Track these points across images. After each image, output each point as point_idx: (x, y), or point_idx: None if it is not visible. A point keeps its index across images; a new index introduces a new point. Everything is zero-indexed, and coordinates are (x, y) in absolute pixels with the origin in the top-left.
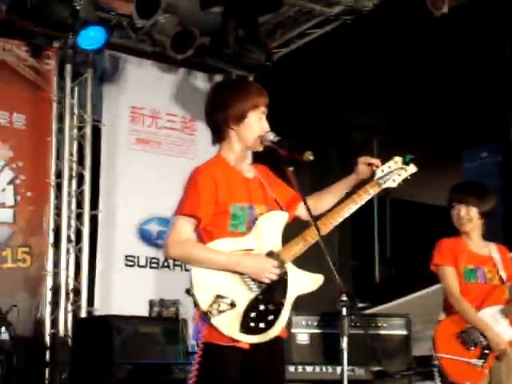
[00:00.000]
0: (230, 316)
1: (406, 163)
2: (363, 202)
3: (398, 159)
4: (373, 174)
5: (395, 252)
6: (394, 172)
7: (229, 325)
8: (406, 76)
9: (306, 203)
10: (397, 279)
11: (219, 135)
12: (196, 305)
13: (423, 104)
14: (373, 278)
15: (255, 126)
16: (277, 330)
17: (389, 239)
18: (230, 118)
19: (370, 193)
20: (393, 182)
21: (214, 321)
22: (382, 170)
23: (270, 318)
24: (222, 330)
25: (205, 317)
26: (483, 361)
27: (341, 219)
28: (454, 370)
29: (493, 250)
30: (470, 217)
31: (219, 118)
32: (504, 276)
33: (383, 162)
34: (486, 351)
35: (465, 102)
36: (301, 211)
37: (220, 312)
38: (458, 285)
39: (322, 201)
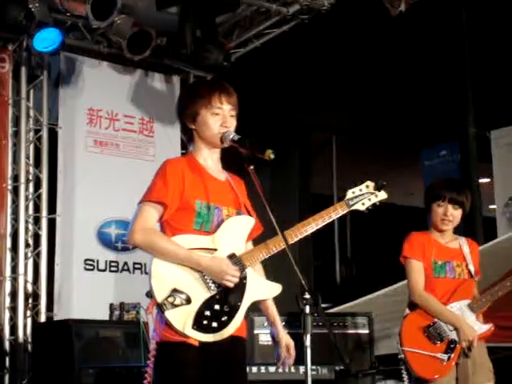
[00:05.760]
0: (184, 311)
1: (378, 189)
2: (331, 220)
3: (370, 184)
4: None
5: (355, 252)
6: (365, 195)
7: (181, 320)
8: (364, 75)
9: (273, 213)
10: (357, 279)
11: (187, 136)
12: (151, 295)
13: (382, 102)
14: (334, 278)
15: (210, 122)
16: (230, 330)
17: (349, 240)
18: (186, 118)
19: (338, 212)
20: (362, 206)
21: (168, 314)
22: (353, 192)
23: (224, 318)
24: (174, 324)
25: (158, 309)
26: (449, 355)
27: (306, 233)
28: (419, 364)
29: (463, 243)
30: (454, 218)
31: (181, 119)
32: (472, 270)
33: (355, 185)
34: (452, 345)
35: (425, 100)
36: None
37: (174, 306)
38: (426, 279)
39: None
